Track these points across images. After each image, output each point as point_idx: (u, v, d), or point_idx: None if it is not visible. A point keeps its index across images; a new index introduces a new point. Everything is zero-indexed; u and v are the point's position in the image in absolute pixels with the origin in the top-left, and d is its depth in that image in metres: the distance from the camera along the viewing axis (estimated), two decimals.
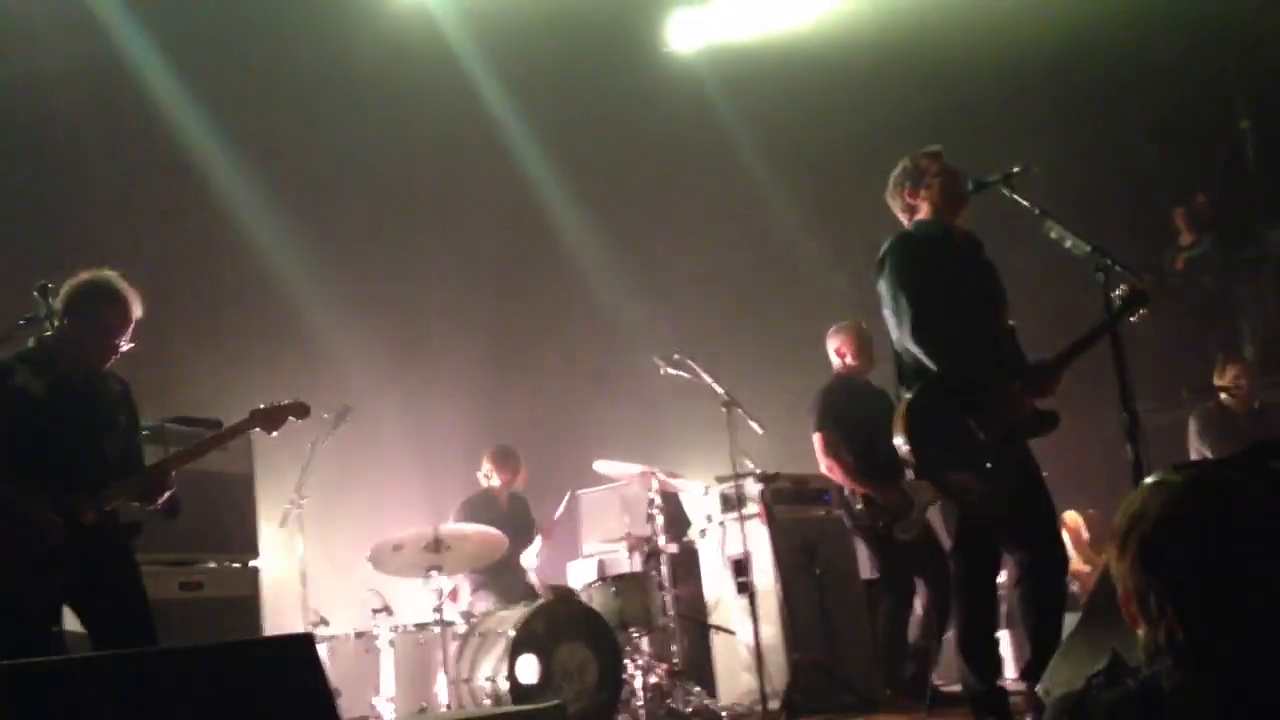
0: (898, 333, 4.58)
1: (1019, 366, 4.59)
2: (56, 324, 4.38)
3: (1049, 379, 4.52)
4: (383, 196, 8.89)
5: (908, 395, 4.49)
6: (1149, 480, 1.64)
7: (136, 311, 4.48)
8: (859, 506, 6.45)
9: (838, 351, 6.80)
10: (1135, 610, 1.59)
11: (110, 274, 4.49)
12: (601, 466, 7.19)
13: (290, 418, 4.83)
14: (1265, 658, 1.48)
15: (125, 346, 4.49)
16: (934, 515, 5.58)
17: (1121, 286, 4.39)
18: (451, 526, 6.49)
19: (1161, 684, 1.54)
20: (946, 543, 4.77)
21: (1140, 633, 1.59)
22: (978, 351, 4.46)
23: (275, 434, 4.85)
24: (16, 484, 4.16)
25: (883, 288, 4.62)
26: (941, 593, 6.07)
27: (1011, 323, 4.73)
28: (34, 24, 7.19)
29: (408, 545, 6.25)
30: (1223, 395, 7.36)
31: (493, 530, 6.60)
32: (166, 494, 4.53)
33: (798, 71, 9.84)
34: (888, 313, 4.64)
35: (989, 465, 4.34)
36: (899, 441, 4.40)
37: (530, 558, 7.48)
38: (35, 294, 4.44)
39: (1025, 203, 4.37)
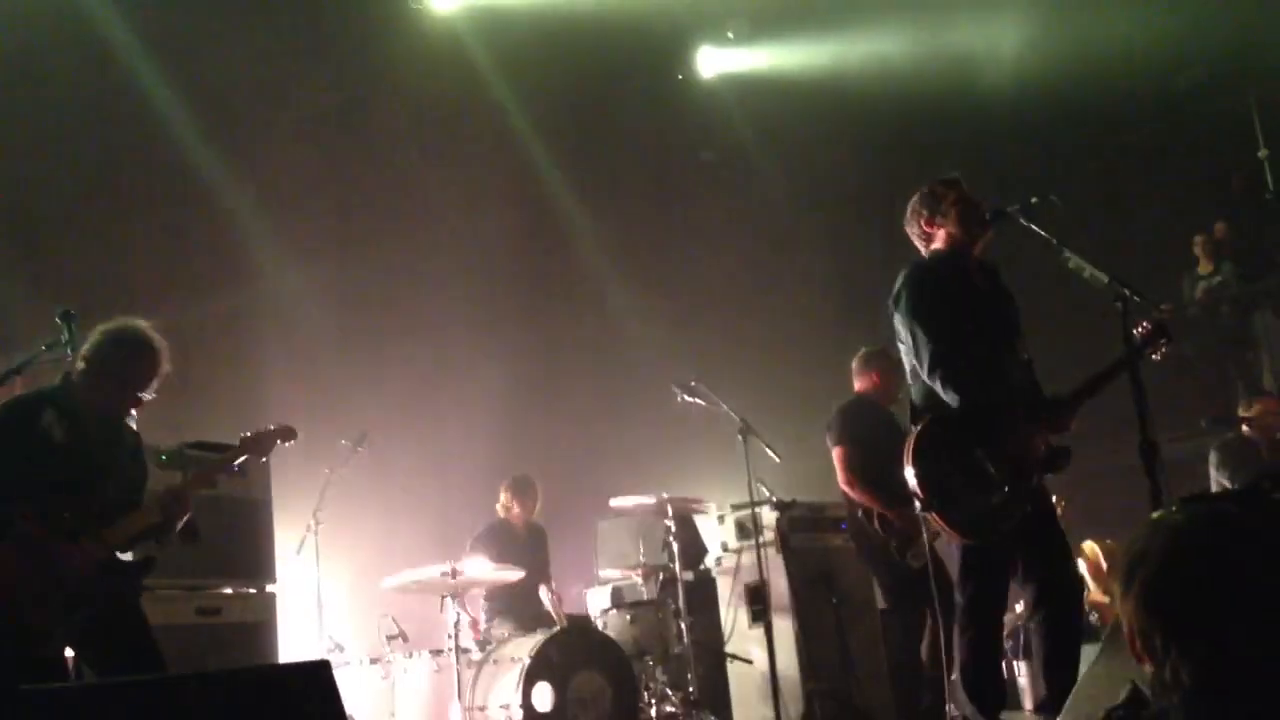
0: (913, 365, 4.55)
1: (1034, 400, 4.54)
2: (82, 366, 4.35)
3: (1064, 414, 4.46)
4: (403, 224, 8.94)
5: (917, 427, 4.46)
6: (1151, 518, 1.64)
7: (165, 366, 4.45)
8: (874, 529, 6.34)
9: (874, 374, 6.73)
10: (1142, 647, 1.59)
11: (141, 324, 4.45)
12: (617, 502, 7.13)
13: (278, 441, 4.81)
14: (1269, 696, 1.47)
15: (149, 398, 4.47)
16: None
17: (1143, 324, 4.36)
18: (468, 565, 6.43)
19: None
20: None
21: (1148, 669, 1.59)
22: (993, 385, 4.42)
23: (266, 459, 4.87)
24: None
25: (898, 321, 4.60)
26: (946, 622, 6.01)
27: (1027, 356, 4.67)
28: (52, 57, 7.28)
29: (424, 580, 6.22)
30: (1245, 427, 7.33)
31: (508, 567, 6.58)
32: (185, 518, 4.52)
33: (819, 99, 9.90)
34: (902, 346, 4.62)
35: (997, 499, 4.30)
36: (907, 473, 4.36)
37: (543, 593, 7.48)
38: (58, 319, 4.45)
39: (1043, 233, 4.35)
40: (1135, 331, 4.39)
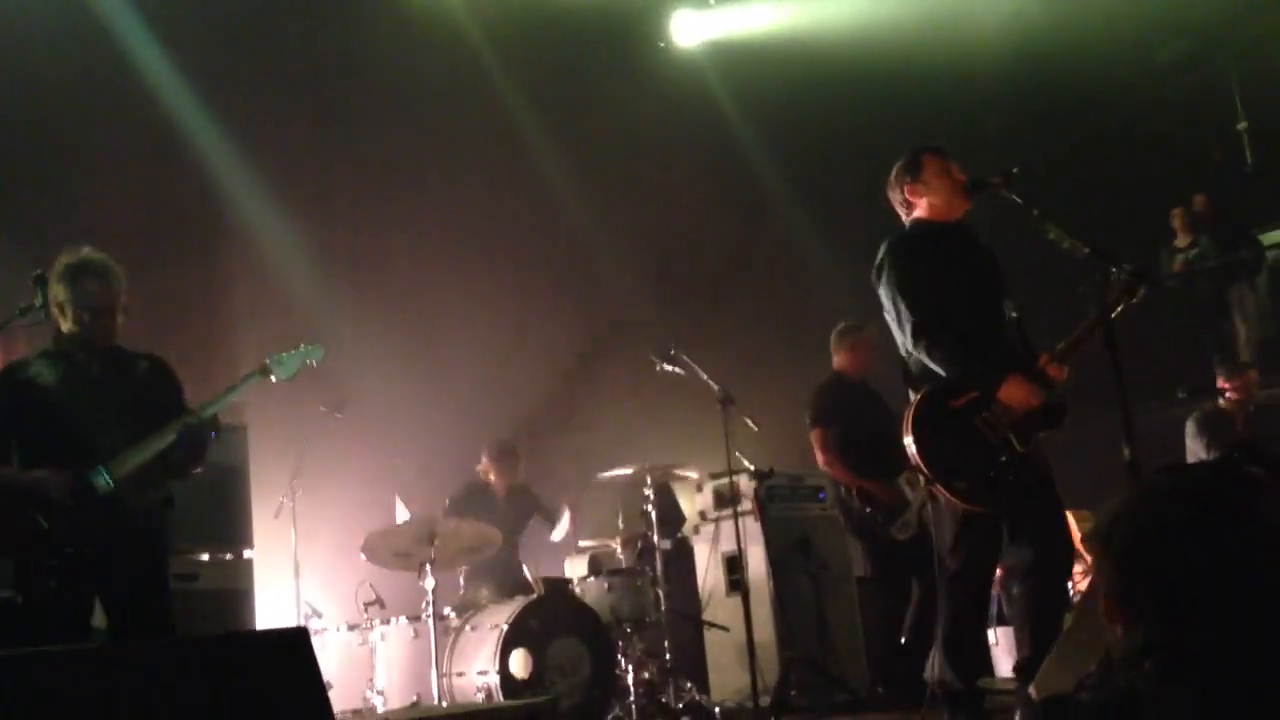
0: (901, 337, 4.55)
1: (1026, 357, 4.53)
2: (56, 313, 4.41)
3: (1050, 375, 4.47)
4: (384, 188, 8.88)
5: (916, 398, 4.46)
6: (1132, 482, 1.64)
7: (121, 277, 4.49)
8: (856, 503, 6.41)
9: (848, 349, 6.76)
10: (1115, 611, 1.59)
11: (80, 249, 4.48)
12: (603, 477, 7.13)
13: None
14: (1246, 661, 1.48)
15: (121, 319, 4.50)
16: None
17: (1114, 271, 4.35)
18: (445, 521, 6.43)
19: (1140, 687, 1.53)
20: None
21: (1118, 632, 1.58)
22: (983, 349, 4.42)
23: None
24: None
25: (883, 293, 4.59)
26: (934, 592, 6.06)
27: (1014, 314, 4.66)
28: (35, 19, 7.19)
29: (400, 538, 6.22)
30: (1222, 398, 7.36)
31: (487, 526, 6.56)
32: (212, 435, 4.53)
33: (800, 67, 9.86)
34: (889, 318, 4.61)
35: (998, 467, 4.31)
36: (907, 443, 4.35)
37: (560, 532, 7.41)
38: (32, 283, 4.45)
39: (1023, 203, 4.35)
40: (1111, 278, 4.35)
